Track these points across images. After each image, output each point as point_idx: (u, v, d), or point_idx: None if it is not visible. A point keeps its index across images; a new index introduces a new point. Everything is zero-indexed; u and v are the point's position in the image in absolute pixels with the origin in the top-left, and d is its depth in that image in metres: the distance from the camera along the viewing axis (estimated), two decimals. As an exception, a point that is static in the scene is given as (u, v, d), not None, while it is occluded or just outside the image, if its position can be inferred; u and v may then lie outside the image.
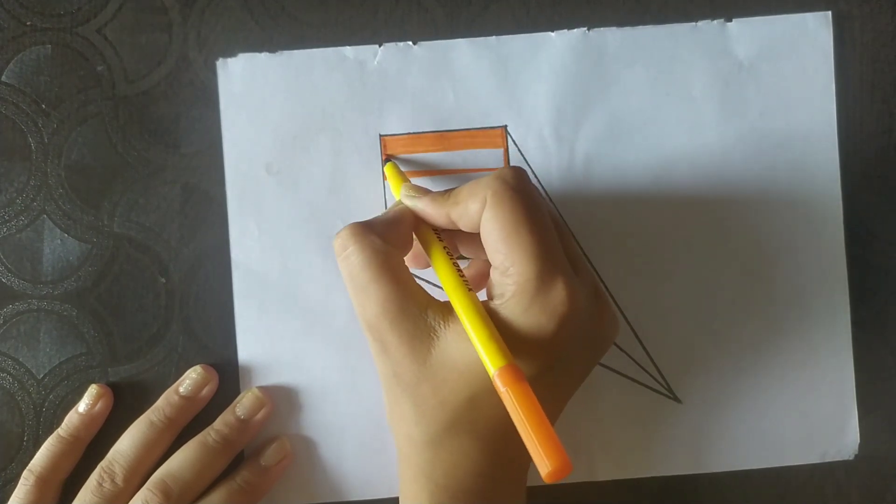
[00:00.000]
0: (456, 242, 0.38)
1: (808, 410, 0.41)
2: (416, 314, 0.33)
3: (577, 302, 0.32)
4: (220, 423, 0.40)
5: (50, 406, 0.42)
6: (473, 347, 0.31)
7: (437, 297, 0.35)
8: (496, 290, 0.33)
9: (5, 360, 0.42)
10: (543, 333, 0.32)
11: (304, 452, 0.41)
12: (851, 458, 0.42)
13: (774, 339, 0.42)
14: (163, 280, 0.42)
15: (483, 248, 0.34)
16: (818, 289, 0.42)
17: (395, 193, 0.38)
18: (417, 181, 0.41)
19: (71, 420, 0.41)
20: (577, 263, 0.35)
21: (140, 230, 0.42)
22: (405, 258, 0.36)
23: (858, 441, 0.41)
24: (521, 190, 0.33)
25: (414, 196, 0.36)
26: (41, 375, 0.42)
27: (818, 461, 0.42)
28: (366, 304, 0.33)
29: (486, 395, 0.32)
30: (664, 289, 0.42)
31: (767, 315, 0.42)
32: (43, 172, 0.42)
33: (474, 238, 0.35)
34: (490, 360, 0.30)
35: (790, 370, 0.42)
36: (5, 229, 0.42)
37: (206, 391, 0.41)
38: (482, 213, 0.33)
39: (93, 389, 0.41)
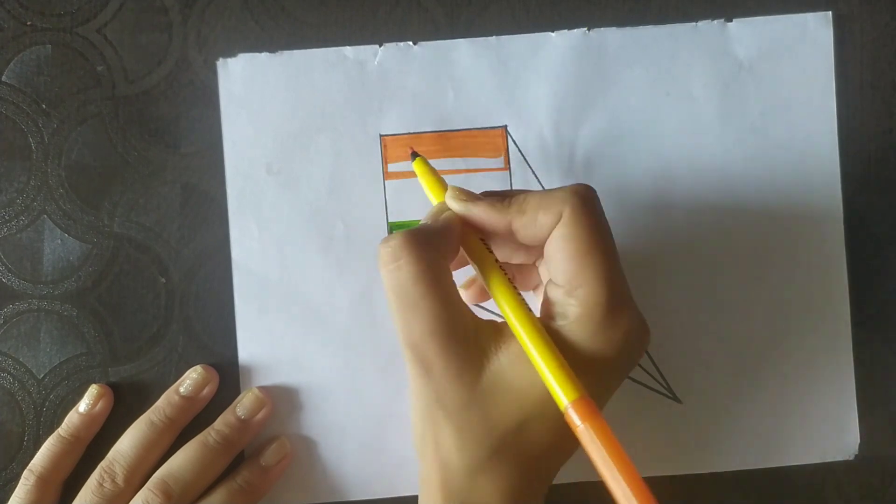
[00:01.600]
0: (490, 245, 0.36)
1: (808, 410, 0.41)
2: (466, 336, 0.32)
3: (638, 334, 0.32)
4: (220, 423, 0.40)
5: (50, 406, 0.42)
6: (529, 371, 0.31)
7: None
8: (557, 309, 0.32)
9: (5, 360, 0.42)
10: (604, 361, 0.31)
11: (304, 452, 0.41)
12: (852, 458, 0.42)
13: (774, 339, 0.42)
14: (163, 280, 0.42)
15: (522, 253, 0.33)
16: (818, 289, 0.42)
17: (432, 194, 0.36)
18: (418, 182, 0.41)
19: (71, 420, 0.41)
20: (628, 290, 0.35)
21: (140, 230, 0.42)
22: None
23: (859, 441, 0.41)
24: (597, 211, 0.32)
25: (466, 200, 0.33)
26: (41, 375, 0.42)
27: (818, 461, 0.42)
28: (413, 323, 0.31)
29: (535, 420, 0.31)
30: (664, 289, 0.42)
31: (767, 315, 0.42)
32: (43, 172, 0.42)
33: (511, 243, 0.34)
34: (562, 392, 0.29)
35: (790, 370, 0.42)
36: (5, 229, 0.42)
37: (207, 391, 0.41)
38: (553, 228, 0.32)
39: (93, 389, 0.41)
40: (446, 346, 0.31)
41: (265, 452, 0.40)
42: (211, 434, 0.40)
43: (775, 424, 0.41)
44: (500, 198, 0.33)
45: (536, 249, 0.35)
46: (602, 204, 0.41)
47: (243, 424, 0.40)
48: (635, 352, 0.33)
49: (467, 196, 0.34)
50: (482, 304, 0.41)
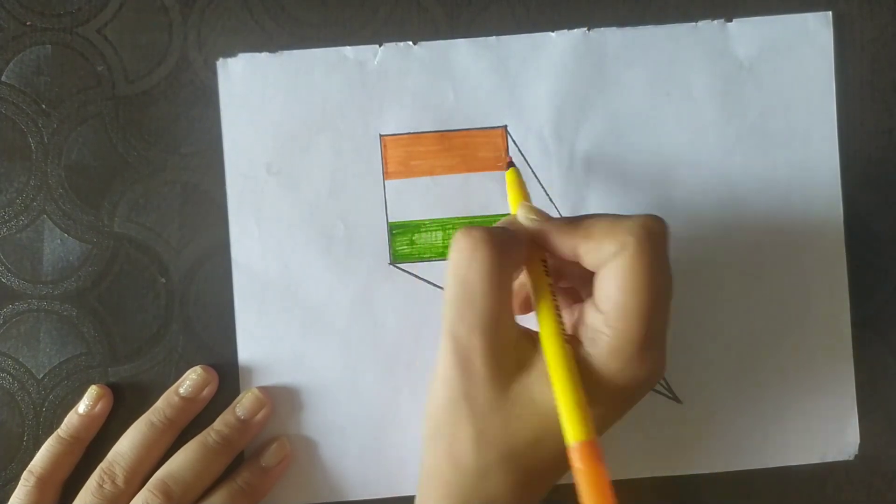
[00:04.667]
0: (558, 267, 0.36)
1: (808, 410, 0.41)
2: (509, 342, 0.33)
3: (659, 374, 0.32)
4: (220, 424, 0.40)
5: (50, 406, 0.42)
6: (548, 393, 0.31)
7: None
8: (589, 334, 0.32)
9: (5, 360, 0.42)
10: (623, 396, 0.32)
11: (304, 452, 0.41)
12: (851, 458, 0.42)
13: (774, 340, 0.42)
14: (163, 280, 0.42)
15: (581, 282, 0.33)
16: (818, 289, 0.42)
17: (512, 205, 0.38)
18: (419, 181, 0.42)
19: (71, 421, 0.41)
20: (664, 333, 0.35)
21: (140, 230, 0.42)
22: None
23: (859, 441, 0.41)
24: (661, 249, 0.32)
25: (537, 220, 0.34)
26: (41, 375, 0.42)
27: (818, 461, 0.42)
28: (466, 315, 0.32)
29: (550, 440, 0.32)
30: (664, 289, 0.42)
31: (767, 315, 0.42)
32: (43, 172, 0.42)
33: (575, 268, 0.34)
34: (572, 430, 0.30)
35: (790, 370, 0.42)
36: (5, 229, 0.42)
37: (207, 392, 0.41)
38: (615, 257, 0.31)
39: (93, 390, 0.41)
40: (491, 346, 0.32)
41: (265, 453, 0.40)
42: (210, 434, 0.40)
43: (775, 424, 0.41)
44: (569, 220, 0.34)
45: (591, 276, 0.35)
46: (601, 203, 0.41)
47: (243, 425, 0.40)
48: (650, 387, 0.34)
49: (539, 215, 0.35)
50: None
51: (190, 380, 0.41)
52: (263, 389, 0.41)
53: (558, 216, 0.35)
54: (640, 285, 0.31)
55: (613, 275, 0.31)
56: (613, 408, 0.33)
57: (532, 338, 0.34)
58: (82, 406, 0.41)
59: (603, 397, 0.32)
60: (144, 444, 0.39)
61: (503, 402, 0.32)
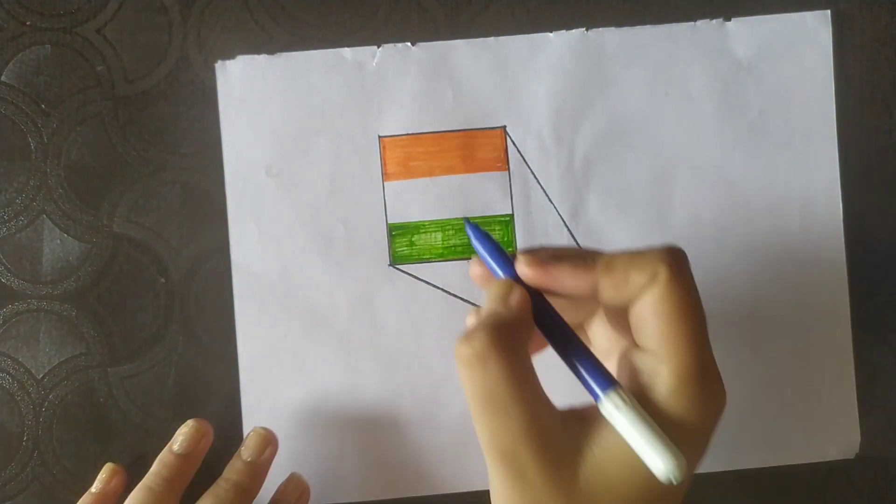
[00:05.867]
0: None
1: (808, 410, 0.41)
2: (557, 434, 0.29)
3: (725, 401, 0.29)
4: (229, 472, 0.38)
5: (49, 406, 0.42)
6: (626, 459, 0.28)
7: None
8: (644, 378, 0.29)
9: (5, 360, 0.42)
10: (698, 435, 0.29)
11: (304, 452, 0.41)
12: (852, 458, 0.41)
13: (774, 339, 0.42)
14: (163, 280, 0.42)
15: (570, 313, 0.30)
16: (818, 289, 0.42)
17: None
18: (418, 182, 0.42)
19: (85, 501, 0.39)
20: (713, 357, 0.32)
21: (140, 230, 0.42)
22: None
23: (859, 440, 0.41)
24: (690, 272, 0.29)
25: (546, 264, 0.30)
26: (41, 375, 0.42)
27: (819, 461, 0.41)
28: (504, 426, 0.28)
29: None
30: (664, 288, 0.42)
31: (767, 315, 0.42)
32: (42, 172, 0.42)
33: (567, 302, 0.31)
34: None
35: (790, 370, 0.41)
36: (5, 229, 0.42)
37: (203, 445, 0.39)
38: (647, 288, 0.28)
39: (108, 468, 0.40)
40: (541, 450, 0.28)
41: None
42: (221, 485, 0.38)
43: (775, 424, 0.41)
44: (579, 257, 0.30)
45: (584, 309, 0.33)
46: (600, 203, 0.41)
47: (252, 468, 0.38)
48: (720, 415, 0.30)
49: (545, 259, 0.30)
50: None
51: (183, 434, 0.39)
52: (266, 429, 0.39)
53: (557, 250, 0.31)
54: (684, 312, 0.28)
55: (652, 306, 0.28)
56: (695, 450, 0.29)
57: (575, 415, 0.30)
58: (96, 485, 0.39)
59: (679, 443, 0.28)
60: None
61: (575, 498, 0.28)
